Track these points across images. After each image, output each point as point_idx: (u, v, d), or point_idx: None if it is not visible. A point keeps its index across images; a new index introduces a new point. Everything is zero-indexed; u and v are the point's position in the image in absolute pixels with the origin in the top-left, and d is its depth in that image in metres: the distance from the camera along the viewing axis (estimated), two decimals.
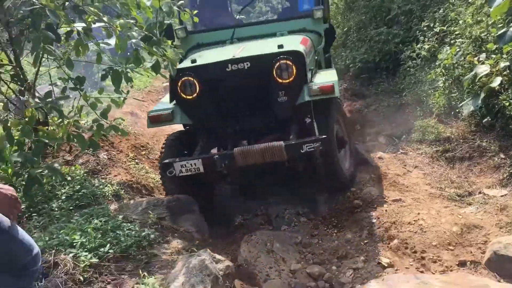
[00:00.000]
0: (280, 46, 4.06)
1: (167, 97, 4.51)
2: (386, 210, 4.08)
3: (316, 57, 4.96)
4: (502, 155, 4.36)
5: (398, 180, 4.58)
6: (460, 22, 5.95)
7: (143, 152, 5.66)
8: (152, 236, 3.36)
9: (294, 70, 4.00)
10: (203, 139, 4.37)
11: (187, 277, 2.87)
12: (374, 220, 4.03)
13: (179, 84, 4.13)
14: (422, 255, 3.52)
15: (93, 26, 3.66)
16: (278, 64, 3.99)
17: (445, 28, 6.35)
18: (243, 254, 3.66)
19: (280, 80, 4.03)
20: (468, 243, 3.54)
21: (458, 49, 5.55)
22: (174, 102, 4.29)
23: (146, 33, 3.81)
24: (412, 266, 3.45)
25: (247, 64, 4.06)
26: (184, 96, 4.16)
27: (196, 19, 4.91)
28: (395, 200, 4.20)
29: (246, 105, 4.28)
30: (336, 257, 3.76)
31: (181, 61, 4.68)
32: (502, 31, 3.88)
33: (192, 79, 4.09)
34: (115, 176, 4.52)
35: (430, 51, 6.33)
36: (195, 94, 4.13)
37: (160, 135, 6.88)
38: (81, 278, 2.67)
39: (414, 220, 3.86)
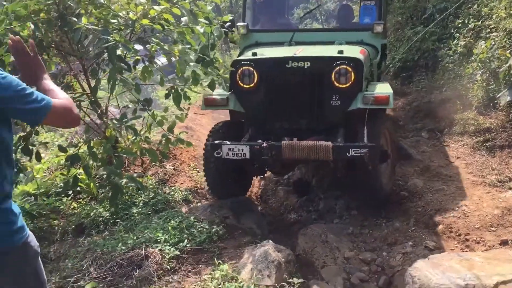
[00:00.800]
0: (341, 52, 4.30)
1: (219, 89, 4.72)
2: (430, 199, 4.40)
3: (371, 69, 5.08)
4: None
5: (441, 171, 4.87)
6: (494, 16, 6.15)
7: (202, 162, 6.20)
8: (220, 232, 3.87)
9: (352, 77, 4.19)
10: (251, 129, 4.56)
11: (254, 264, 3.34)
12: (419, 209, 4.36)
13: (239, 73, 4.41)
14: (466, 237, 3.83)
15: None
16: (338, 68, 4.18)
17: (479, 23, 6.55)
18: (301, 245, 4.10)
19: (337, 84, 4.21)
20: (509, 224, 3.82)
21: (493, 43, 5.77)
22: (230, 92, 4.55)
23: (201, 55, 4.34)
24: (457, 248, 3.78)
25: (307, 64, 4.26)
26: (242, 85, 4.43)
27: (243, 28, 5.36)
28: (438, 190, 4.51)
29: (299, 103, 4.45)
30: (386, 244, 4.13)
31: (239, 55, 5.19)
32: None
33: (252, 69, 4.38)
34: (181, 184, 5.08)
35: (466, 47, 6.56)
36: (252, 85, 4.40)
37: None
38: (168, 267, 3.20)
39: (457, 207, 4.17)
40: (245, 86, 4.44)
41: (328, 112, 4.37)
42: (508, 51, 5.11)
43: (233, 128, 4.77)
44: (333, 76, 4.21)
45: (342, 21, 6.13)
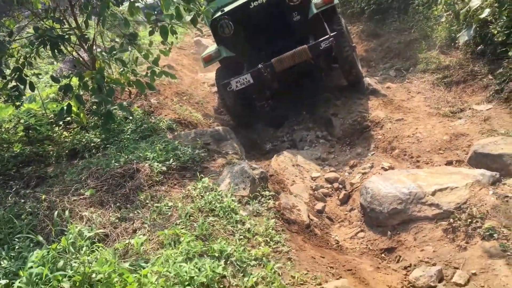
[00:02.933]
0: None
1: (210, 47, 5.97)
2: (390, 128, 4.92)
3: None
4: (490, 76, 5.08)
5: (403, 104, 5.38)
6: None
7: (185, 97, 6.60)
8: (202, 154, 4.33)
9: None
10: (245, 65, 5.64)
11: (232, 179, 3.84)
12: (380, 137, 4.89)
13: (218, 28, 5.51)
14: (418, 159, 4.38)
15: None
16: None
17: None
18: (274, 167, 4.62)
19: (292, 4, 5.35)
20: (455, 147, 4.37)
21: None
22: (217, 44, 5.72)
23: None
24: (410, 167, 4.33)
25: None
26: (224, 36, 5.53)
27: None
28: (398, 120, 5.03)
29: (272, 31, 5.54)
30: (349, 166, 4.68)
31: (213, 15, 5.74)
32: None
33: (226, 21, 5.46)
34: (166, 115, 5.48)
35: None
36: (232, 32, 5.49)
37: (197, 84, 7.81)
38: (157, 179, 3.67)
39: (413, 134, 4.70)
40: (227, 35, 5.53)
41: (295, 27, 5.49)
42: None
43: (228, 70, 5.88)
44: None
45: None
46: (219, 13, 5.58)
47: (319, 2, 5.30)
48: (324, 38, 5.05)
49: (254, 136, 5.98)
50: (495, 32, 5.07)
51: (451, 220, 3.22)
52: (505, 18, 5.04)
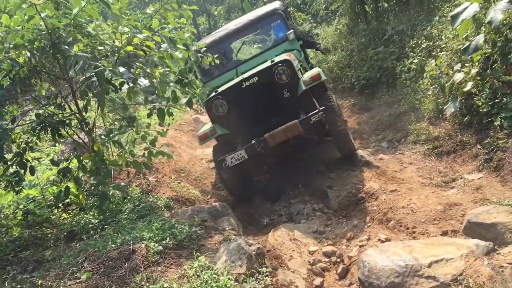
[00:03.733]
0: (273, 60, 5.75)
1: (205, 125, 6.24)
2: (384, 199, 4.98)
3: (301, 64, 6.53)
4: (478, 146, 5.23)
5: (396, 175, 5.48)
6: (443, 37, 6.87)
7: (183, 174, 6.71)
8: (199, 232, 4.36)
9: (289, 72, 5.60)
10: (239, 141, 5.87)
11: (228, 256, 3.85)
12: (375, 208, 4.94)
13: (213, 107, 5.77)
14: (413, 230, 4.41)
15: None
16: (276, 71, 5.60)
17: (431, 43, 7.27)
18: (271, 242, 4.63)
19: (281, 82, 5.63)
20: (449, 217, 4.41)
21: (442, 61, 6.46)
22: (212, 123, 5.97)
23: (179, 77, 4.89)
24: (405, 239, 4.34)
25: (255, 78, 5.64)
26: (218, 115, 5.80)
27: (217, 61, 6.11)
28: (392, 191, 5.10)
29: (264, 108, 5.82)
30: (346, 239, 4.69)
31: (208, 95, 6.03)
32: (466, 45, 4.70)
33: (220, 100, 5.74)
34: (164, 193, 5.57)
35: (418, 64, 7.26)
36: (225, 111, 5.76)
37: (195, 160, 7.96)
38: (153, 259, 3.68)
39: (407, 204, 4.76)
40: (221, 114, 5.82)
41: (286, 103, 5.79)
42: (451, 68, 5.78)
43: (224, 146, 6.11)
44: (276, 77, 5.63)
45: (265, 44, 8.13)
46: (213, 94, 5.85)
47: (307, 79, 5.58)
48: (314, 112, 5.28)
49: (251, 210, 6.02)
50: (480, 103, 5.29)
51: None
52: (487, 90, 5.29)
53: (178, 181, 6.31)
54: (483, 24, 5.15)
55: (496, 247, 3.52)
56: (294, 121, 5.26)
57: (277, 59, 5.82)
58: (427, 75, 6.62)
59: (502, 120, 4.91)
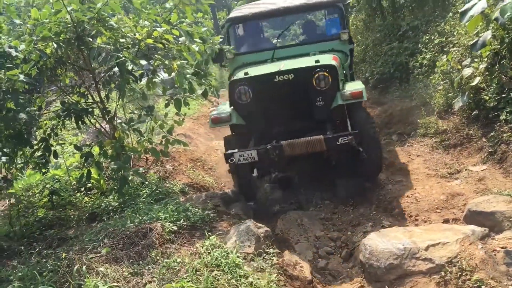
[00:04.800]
0: (317, 61, 5.06)
1: (221, 106, 5.63)
2: (390, 189, 5.18)
3: (344, 71, 5.91)
4: (484, 139, 5.37)
5: (403, 167, 5.67)
6: (455, 33, 6.99)
7: (199, 163, 7.00)
8: (211, 215, 4.62)
9: (330, 80, 4.99)
10: (253, 137, 5.36)
11: (238, 237, 4.10)
12: (381, 197, 5.14)
13: (236, 91, 5.16)
14: (416, 218, 4.60)
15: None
16: (317, 75, 4.99)
17: (444, 39, 7.39)
18: (279, 227, 4.87)
19: (319, 88, 5.02)
20: (451, 206, 4.59)
21: (453, 56, 6.60)
22: (230, 107, 5.32)
23: (196, 69, 5.14)
24: (408, 226, 4.54)
25: (291, 75, 5.04)
26: (239, 102, 5.18)
27: (232, 51, 6.12)
28: (398, 181, 5.30)
29: (289, 109, 5.24)
30: (351, 225, 4.90)
31: (229, 77, 6.02)
32: (474, 40, 4.82)
33: (246, 87, 5.11)
34: (180, 180, 5.86)
35: (430, 60, 7.39)
36: (248, 100, 5.14)
37: (211, 151, 8.23)
38: (168, 238, 3.96)
39: (412, 194, 4.95)
40: (242, 102, 5.18)
41: (315, 112, 5.18)
42: (459, 63, 5.92)
43: (236, 139, 5.47)
44: (314, 81, 5.01)
45: (312, 35, 7.01)
46: (242, 75, 5.22)
47: (347, 94, 4.98)
48: (344, 133, 4.74)
49: (263, 198, 6.26)
50: (487, 98, 5.43)
51: (443, 274, 3.40)
52: (495, 85, 5.42)
53: (193, 169, 6.59)
54: (492, 21, 5.26)
55: (491, 233, 3.70)
56: (319, 137, 4.72)
57: (322, 60, 5.16)
58: (438, 70, 6.75)
59: (508, 114, 5.04)
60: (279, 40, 7.19)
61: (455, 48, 6.73)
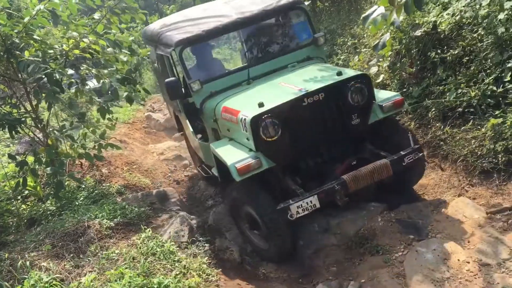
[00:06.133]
0: (339, 73, 4.27)
1: (229, 148, 4.50)
2: None
3: None
4: None
5: None
6: (365, 35, 7.74)
7: (134, 166, 7.26)
8: (148, 212, 4.97)
9: (367, 92, 4.21)
10: (287, 176, 4.37)
11: (172, 228, 4.51)
12: None
13: (262, 128, 4.01)
14: None
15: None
16: (353, 88, 4.15)
17: (356, 41, 8.13)
18: (212, 218, 5.28)
19: (354, 103, 4.19)
20: None
21: (363, 56, 7.32)
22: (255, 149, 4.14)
23: (125, 75, 5.41)
24: None
25: (321, 95, 4.14)
26: (266, 139, 4.05)
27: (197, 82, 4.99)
28: None
29: (324, 135, 4.37)
30: None
31: (198, 112, 5.26)
32: (376, 42, 5.35)
33: (273, 120, 4.01)
34: (116, 182, 6.13)
35: (345, 61, 8.10)
36: (279, 134, 4.06)
37: (147, 154, 8.52)
38: (106, 233, 4.28)
39: None
40: (270, 139, 4.07)
41: (352, 132, 4.39)
42: (366, 62, 6.64)
43: (258, 185, 4.30)
44: (350, 96, 4.18)
45: (283, 44, 5.81)
46: (263, 110, 4.05)
47: (389, 104, 4.30)
48: (407, 152, 4.14)
49: (196, 194, 6.66)
50: None
51: (349, 243, 3.99)
52: (396, 81, 6.16)
53: (130, 172, 6.86)
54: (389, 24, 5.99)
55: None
56: (385, 161, 4.07)
57: (348, 71, 4.48)
58: (351, 69, 7.45)
59: (407, 106, 5.76)
60: (250, 56, 5.81)
61: (365, 49, 7.45)
